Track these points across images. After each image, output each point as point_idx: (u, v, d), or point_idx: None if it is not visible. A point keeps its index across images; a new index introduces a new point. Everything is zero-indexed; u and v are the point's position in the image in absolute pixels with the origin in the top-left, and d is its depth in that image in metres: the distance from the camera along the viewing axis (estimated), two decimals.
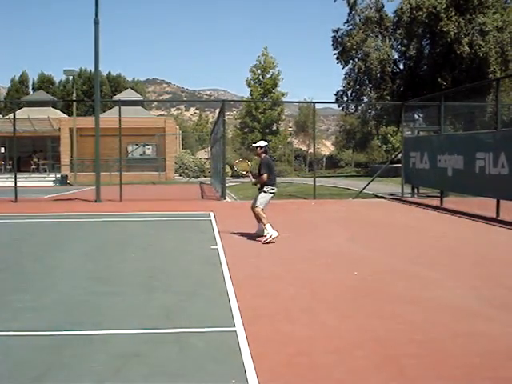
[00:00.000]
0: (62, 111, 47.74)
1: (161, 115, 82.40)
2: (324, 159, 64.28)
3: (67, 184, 31.69)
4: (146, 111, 48.83)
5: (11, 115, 26.20)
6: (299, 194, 19.76)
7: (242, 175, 10.16)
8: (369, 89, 39.29)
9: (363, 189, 18.68)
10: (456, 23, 33.49)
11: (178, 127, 51.47)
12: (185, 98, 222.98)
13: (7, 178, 27.95)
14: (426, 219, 12.30)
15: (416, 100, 23.45)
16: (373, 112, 41.18)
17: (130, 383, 3.45)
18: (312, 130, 25.33)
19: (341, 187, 23.62)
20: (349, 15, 38.71)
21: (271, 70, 47.19)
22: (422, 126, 29.25)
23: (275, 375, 3.52)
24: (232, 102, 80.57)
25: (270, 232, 8.69)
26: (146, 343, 4.13)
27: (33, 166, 36.34)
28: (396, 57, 39.41)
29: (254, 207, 9.17)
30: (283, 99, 47.18)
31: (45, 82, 64.79)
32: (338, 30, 39.07)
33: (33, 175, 33.93)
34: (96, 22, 16.82)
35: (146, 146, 37.91)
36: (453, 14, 33.64)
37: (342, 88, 39.96)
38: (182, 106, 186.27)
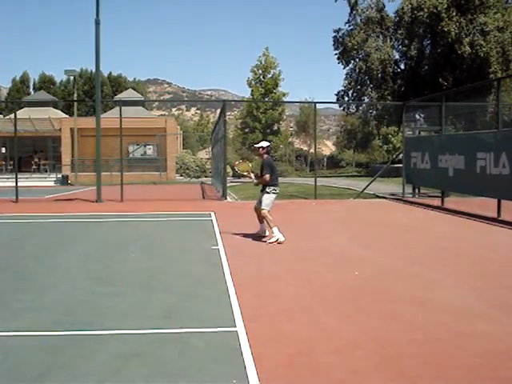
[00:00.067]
0: (62, 111, 47.78)
1: (162, 115, 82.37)
2: (325, 159, 64.28)
3: (68, 184, 31.72)
4: (147, 111, 48.86)
5: (12, 115, 26.22)
6: (300, 194, 19.76)
7: (243, 176, 10.12)
8: (370, 89, 39.26)
9: (364, 189, 18.67)
10: (457, 23, 33.47)
11: (178, 127, 51.45)
12: (186, 98, 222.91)
13: (8, 178, 27.97)
14: (426, 219, 12.29)
15: (417, 100, 23.45)
16: (374, 112, 41.15)
17: (131, 383, 3.45)
18: (313, 130, 25.36)
19: (342, 187, 23.62)
20: (350, 15, 38.70)
21: (272, 70, 47.24)
22: (423, 126, 29.23)
23: (276, 375, 3.52)
24: (233, 102, 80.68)
25: (276, 235, 8.66)
26: (146, 343, 4.13)
27: (34, 166, 36.37)
28: (397, 57, 39.38)
29: (259, 209, 9.10)
30: (284, 99, 47.23)
31: (46, 82, 64.87)
32: (339, 30, 39.06)
33: (34, 175, 33.96)
34: (97, 22, 16.83)
35: (147, 146, 37.92)
36: (454, 14, 33.62)
37: (342, 88, 39.95)
38: (183, 106, 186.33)
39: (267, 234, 9.07)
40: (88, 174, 31.45)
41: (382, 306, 5.12)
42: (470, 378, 3.50)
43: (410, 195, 17.73)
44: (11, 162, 35.37)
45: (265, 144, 9.26)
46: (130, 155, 36.33)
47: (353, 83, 39.17)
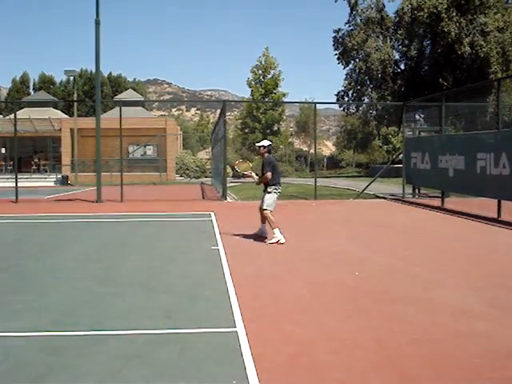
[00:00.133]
0: (62, 112, 47.82)
1: (162, 115, 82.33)
2: (325, 160, 64.24)
3: (68, 184, 31.72)
4: (147, 112, 48.88)
5: (12, 115, 26.22)
6: (300, 194, 19.76)
7: (244, 176, 10.10)
8: (370, 89, 39.28)
9: (364, 189, 18.68)
10: (457, 23, 33.47)
11: (178, 127, 51.47)
12: (186, 99, 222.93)
13: (8, 178, 27.97)
14: (426, 220, 12.29)
15: (417, 100, 23.45)
16: (374, 112, 41.16)
17: None
18: (313, 131, 25.33)
19: (342, 188, 23.63)
20: (350, 15, 38.71)
21: (272, 71, 47.21)
22: (423, 126, 29.27)
23: (276, 375, 3.52)
24: (233, 103, 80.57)
25: (277, 237, 8.64)
26: (146, 344, 4.13)
27: (33, 167, 36.39)
28: (397, 57, 39.40)
29: (262, 209, 9.09)
30: (284, 99, 47.21)
31: (46, 83, 64.93)
32: (339, 30, 39.07)
33: (34, 176, 33.97)
34: (97, 23, 16.84)
35: (147, 147, 37.92)
36: (454, 14, 33.63)
37: (342, 88, 39.96)
38: (183, 107, 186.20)
39: (267, 234, 9.05)
40: (88, 174, 31.45)
41: (382, 307, 5.12)
42: (470, 378, 3.50)
43: (410, 195, 17.73)
44: (11, 163, 35.36)
45: (266, 143, 9.23)
46: (130, 155, 36.34)
47: (353, 83, 39.18)
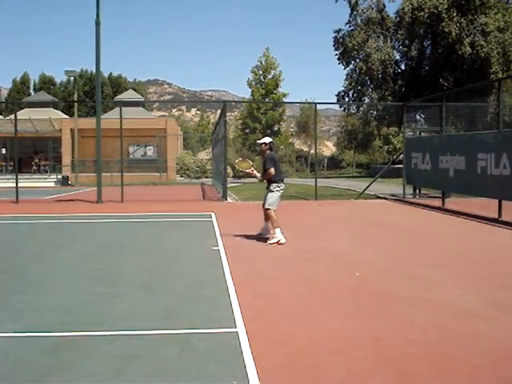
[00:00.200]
0: (63, 112, 47.82)
1: (162, 116, 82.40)
2: (325, 160, 64.26)
3: (68, 185, 31.73)
4: (148, 112, 48.88)
5: (12, 116, 26.23)
6: (301, 194, 19.75)
7: (245, 174, 10.08)
8: (370, 89, 39.30)
9: (365, 190, 18.67)
10: (458, 24, 33.48)
11: (179, 128, 51.47)
12: (186, 99, 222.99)
13: (8, 178, 27.98)
14: (427, 220, 12.29)
15: (417, 101, 23.48)
16: (374, 113, 41.19)
17: None
18: (313, 131, 25.34)
19: (342, 188, 23.62)
20: (350, 16, 38.75)
21: (272, 71, 47.16)
22: (423, 126, 29.26)
23: (276, 375, 3.51)
24: (233, 103, 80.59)
25: (278, 237, 8.62)
26: (146, 344, 4.12)
27: (34, 167, 36.39)
28: (397, 57, 39.43)
29: (265, 208, 9.03)
30: (284, 100, 47.16)
31: (46, 83, 64.99)
32: (340, 30, 39.10)
33: (34, 176, 33.97)
34: (97, 23, 16.84)
35: (148, 147, 37.94)
36: (454, 14, 33.64)
37: (343, 89, 40.01)
38: (184, 107, 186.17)
39: (270, 234, 8.99)
40: (88, 174, 31.47)
41: (383, 307, 5.12)
42: (470, 378, 3.49)
43: (411, 196, 17.73)
44: (11, 163, 35.38)
45: (267, 140, 9.20)
46: (131, 156, 36.35)
47: (353, 84, 39.21)
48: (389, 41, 37.96)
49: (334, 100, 40.29)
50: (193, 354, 3.89)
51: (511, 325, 4.57)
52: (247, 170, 9.69)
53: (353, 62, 39.08)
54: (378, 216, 12.98)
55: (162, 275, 6.58)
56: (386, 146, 54.17)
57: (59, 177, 33.90)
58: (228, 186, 19.01)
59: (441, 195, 14.92)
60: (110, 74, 68.31)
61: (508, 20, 34.04)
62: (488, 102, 28.85)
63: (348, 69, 39.42)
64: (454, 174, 13.66)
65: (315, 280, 6.24)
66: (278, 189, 8.97)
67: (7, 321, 4.73)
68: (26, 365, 3.71)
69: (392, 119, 39.86)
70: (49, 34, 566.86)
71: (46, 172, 36.68)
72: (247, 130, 48.63)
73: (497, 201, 11.70)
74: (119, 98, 45.15)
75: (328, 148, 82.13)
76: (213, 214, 12.78)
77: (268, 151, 9.06)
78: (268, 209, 8.87)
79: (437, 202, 14.91)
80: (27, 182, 28.68)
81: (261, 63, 47.18)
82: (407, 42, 37.58)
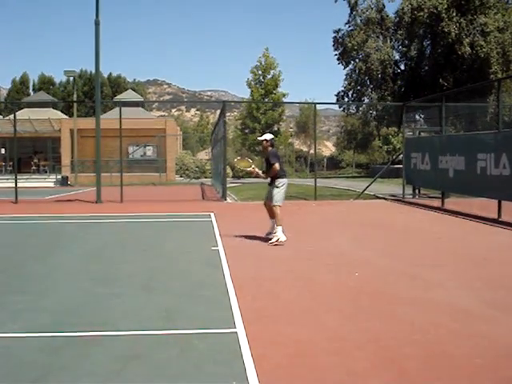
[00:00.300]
0: (62, 112, 47.79)
1: (161, 116, 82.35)
2: (325, 160, 64.28)
3: (68, 185, 31.70)
4: (147, 112, 48.86)
5: (12, 116, 26.21)
6: (300, 194, 19.74)
7: (244, 174, 10.04)
8: (370, 89, 39.32)
9: (364, 190, 18.67)
10: (457, 24, 33.50)
11: (178, 128, 51.47)
12: (185, 99, 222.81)
13: (8, 179, 27.96)
14: (427, 220, 12.29)
15: (417, 101, 23.49)
16: (374, 113, 41.20)
17: None
18: (313, 131, 25.32)
19: (342, 188, 23.62)
20: (350, 16, 38.78)
21: (272, 71, 47.10)
22: (423, 126, 29.28)
23: (276, 376, 3.51)
24: (233, 103, 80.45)
25: (279, 235, 8.60)
26: (146, 345, 4.12)
27: (33, 167, 36.35)
28: (397, 57, 39.46)
29: (269, 204, 8.89)
30: (284, 100, 47.12)
31: (45, 83, 64.97)
32: (339, 30, 39.13)
33: (33, 176, 33.93)
34: (97, 23, 16.84)
35: (147, 147, 37.91)
36: (454, 14, 33.66)
37: (342, 89, 40.03)
38: (183, 107, 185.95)
39: (273, 232, 8.87)
40: (88, 174, 31.44)
41: (382, 307, 5.12)
42: (470, 378, 3.49)
43: (410, 196, 17.73)
44: (11, 163, 35.34)
45: (269, 136, 9.14)
46: (130, 156, 36.34)
47: (353, 84, 39.23)
48: (388, 41, 37.98)
49: (334, 100, 40.36)
50: (192, 355, 3.88)
51: (511, 325, 4.57)
52: (248, 169, 9.63)
53: (352, 62, 39.11)
54: (377, 216, 12.98)
55: (162, 275, 6.57)
56: (386, 146, 54.21)
57: (58, 177, 33.86)
58: (227, 186, 19.00)
59: (440, 195, 14.92)
60: (110, 74, 68.37)
61: (508, 20, 34.06)
62: (488, 102, 28.87)
63: (347, 69, 39.47)
64: (454, 175, 13.66)
65: (315, 280, 6.24)
66: (282, 185, 8.92)
67: (7, 321, 4.73)
68: (26, 365, 3.70)
69: (391, 119, 39.90)
70: (48, 34, 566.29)
71: (46, 172, 36.64)
72: (247, 130, 48.57)
73: (496, 201, 11.70)
74: (119, 98, 45.12)
75: (327, 148, 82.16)
76: (212, 215, 12.78)
77: (270, 148, 9.03)
78: (275, 205, 8.81)
79: (436, 203, 14.91)
80: (26, 182, 28.67)
81: (260, 63, 47.13)
82: (407, 42, 37.62)
